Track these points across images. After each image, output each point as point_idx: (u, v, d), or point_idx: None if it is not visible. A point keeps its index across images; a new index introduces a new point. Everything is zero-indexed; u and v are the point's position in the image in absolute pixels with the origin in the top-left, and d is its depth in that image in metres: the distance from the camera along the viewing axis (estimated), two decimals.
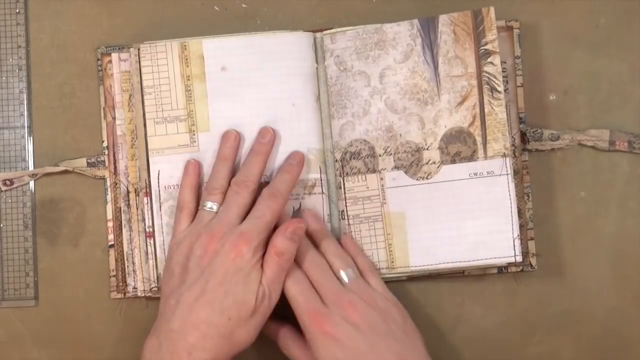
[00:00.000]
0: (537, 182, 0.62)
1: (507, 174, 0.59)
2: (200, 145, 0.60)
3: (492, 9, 0.59)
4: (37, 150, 0.63)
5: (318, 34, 0.61)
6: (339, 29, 0.61)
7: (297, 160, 0.59)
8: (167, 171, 0.60)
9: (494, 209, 0.59)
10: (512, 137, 0.61)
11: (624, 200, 0.62)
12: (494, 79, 0.59)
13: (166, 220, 0.60)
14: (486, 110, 0.59)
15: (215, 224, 0.55)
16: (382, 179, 0.60)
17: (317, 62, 0.61)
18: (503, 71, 0.60)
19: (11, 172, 0.62)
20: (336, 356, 0.53)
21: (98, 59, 0.62)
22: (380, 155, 0.60)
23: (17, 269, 0.62)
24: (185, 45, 0.60)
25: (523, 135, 0.61)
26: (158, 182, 0.60)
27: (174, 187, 0.60)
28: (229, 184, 0.57)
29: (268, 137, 0.59)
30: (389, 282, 0.61)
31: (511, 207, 0.59)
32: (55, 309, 0.62)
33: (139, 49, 0.60)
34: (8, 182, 0.62)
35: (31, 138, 0.63)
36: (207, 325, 0.53)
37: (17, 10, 0.63)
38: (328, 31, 0.61)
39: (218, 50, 0.60)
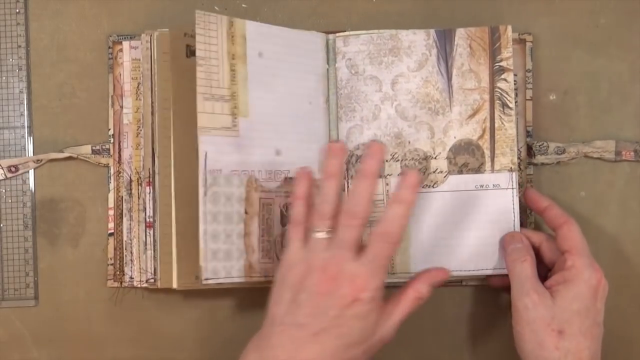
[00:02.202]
0: (538, 184, 0.62)
1: (513, 188, 0.59)
2: (240, 130, 0.58)
3: (509, 27, 0.60)
4: (37, 150, 0.63)
5: (330, 36, 0.61)
6: (352, 32, 0.61)
7: (412, 182, 0.52)
8: (213, 154, 0.56)
9: (497, 222, 0.59)
10: (519, 150, 0.61)
11: (624, 200, 0.62)
12: (506, 95, 0.60)
13: (210, 207, 0.56)
14: (496, 125, 0.60)
15: (329, 260, 0.52)
16: (387, 184, 0.60)
17: (327, 64, 0.61)
18: (514, 83, 0.61)
19: (16, 158, 0.62)
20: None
21: (109, 47, 0.62)
22: (387, 161, 0.60)
23: (17, 269, 0.62)
24: (232, 22, 0.58)
25: (529, 148, 0.62)
26: (205, 165, 0.56)
27: (218, 172, 0.56)
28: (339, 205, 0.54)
29: (379, 156, 0.54)
30: (387, 287, 0.61)
31: (514, 221, 0.59)
32: (55, 309, 0.62)
33: (151, 35, 0.59)
34: (13, 169, 0.62)
35: (31, 138, 0.63)
36: None
37: (17, 10, 0.63)
38: (341, 33, 0.61)
39: (258, 35, 0.59)
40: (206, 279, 0.56)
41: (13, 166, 0.62)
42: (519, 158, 0.61)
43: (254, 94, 0.58)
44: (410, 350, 0.63)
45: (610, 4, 0.63)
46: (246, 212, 0.57)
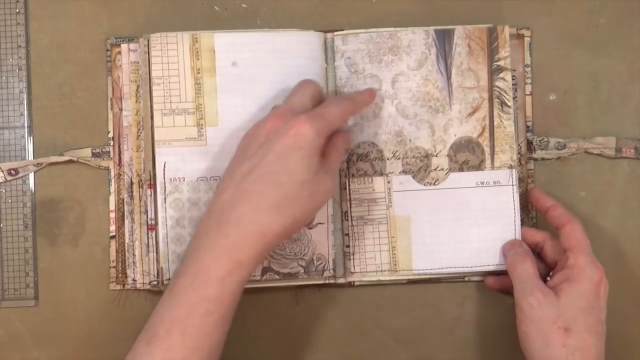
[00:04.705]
0: (538, 184, 0.62)
1: (513, 185, 0.60)
2: (208, 139, 0.59)
3: (506, 27, 0.60)
4: (37, 150, 0.63)
5: (329, 35, 0.61)
6: (351, 31, 0.61)
7: (371, 92, 0.58)
8: (173, 163, 0.59)
9: (498, 218, 0.60)
10: (519, 145, 0.62)
11: (624, 200, 0.62)
12: (504, 94, 0.60)
13: (170, 213, 0.59)
14: (495, 123, 0.60)
15: (282, 106, 0.54)
16: (389, 182, 0.61)
17: (326, 63, 0.61)
18: (512, 79, 0.61)
19: (16, 161, 0.62)
20: None
21: (107, 50, 0.62)
22: (388, 159, 0.61)
23: (17, 269, 0.62)
24: (196, 38, 0.59)
25: (529, 143, 0.62)
26: (164, 174, 0.59)
27: (179, 180, 0.59)
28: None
29: (370, 96, 0.58)
30: (390, 285, 0.61)
31: (515, 216, 0.60)
32: (55, 309, 0.62)
33: (149, 39, 0.60)
34: (13, 172, 0.62)
35: (31, 138, 0.63)
36: (259, 197, 0.51)
37: (17, 10, 0.63)
38: (339, 32, 0.61)
39: (230, 45, 0.60)
40: (168, 279, 0.59)
41: (13, 169, 0.62)
42: (519, 153, 0.61)
43: (225, 103, 0.60)
44: (410, 350, 0.63)
45: (610, 4, 0.63)
46: None
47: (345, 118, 0.55)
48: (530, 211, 0.62)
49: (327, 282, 0.60)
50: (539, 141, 0.62)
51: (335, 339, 0.63)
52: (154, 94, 0.59)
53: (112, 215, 0.62)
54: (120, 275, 0.62)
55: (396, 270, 0.60)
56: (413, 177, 0.61)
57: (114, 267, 0.62)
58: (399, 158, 0.61)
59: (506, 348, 0.62)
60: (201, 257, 0.51)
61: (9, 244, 0.62)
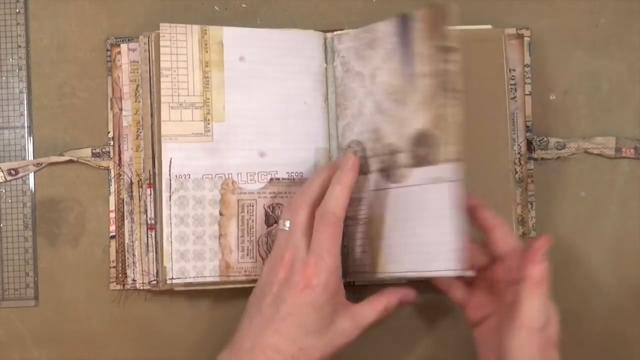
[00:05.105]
0: (538, 184, 0.62)
1: (455, 181, 0.53)
2: (215, 135, 0.59)
3: (453, 3, 0.54)
4: (37, 150, 0.63)
5: (329, 35, 0.61)
6: (344, 30, 0.61)
7: (350, 164, 0.55)
8: (179, 160, 0.58)
9: (441, 217, 0.54)
10: (519, 145, 0.61)
11: (624, 200, 0.62)
12: (452, 78, 0.54)
13: (175, 211, 0.58)
14: (445, 112, 0.55)
15: (285, 250, 0.53)
16: (368, 181, 0.59)
17: (326, 63, 0.61)
18: (512, 79, 0.61)
19: (16, 161, 0.62)
20: None
21: (107, 50, 0.62)
22: (370, 157, 0.59)
23: (17, 269, 0.62)
24: (205, 30, 0.59)
25: (529, 143, 0.62)
26: (170, 171, 0.58)
27: (185, 177, 0.58)
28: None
29: (350, 165, 0.55)
30: (390, 285, 0.61)
31: (454, 216, 0.53)
32: (55, 309, 0.62)
33: (151, 35, 0.59)
34: (13, 172, 0.62)
35: (31, 138, 0.63)
36: (274, 352, 0.51)
37: (17, 10, 0.63)
38: (338, 32, 0.61)
39: (237, 39, 0.59)
40: (171, 279, 0.58)
41: (13, 169, 0.62)
42: (519, 153, 0.61)
43: (232, 98, 0.59)
44: (410, 350, 0.63)
45: (610, 4, 0.63)
46: (221, 214, 0.58)
47: (338, 237, 0.53)
48: (530, 211, 0.62)
49: None
50: (539, 141, 0.62)
51: None
52: (162, 85, 0.58)
53: (112, 215, 0.62)
54: (120, 275, 0.62)
55: (375, 272, 0.58)
56: (386, 176, 0.57)
57: (114, 267, 0.62)
58: (378, 156, 0.58)
59: None
60: None
61: (9, 244, 0.62)
